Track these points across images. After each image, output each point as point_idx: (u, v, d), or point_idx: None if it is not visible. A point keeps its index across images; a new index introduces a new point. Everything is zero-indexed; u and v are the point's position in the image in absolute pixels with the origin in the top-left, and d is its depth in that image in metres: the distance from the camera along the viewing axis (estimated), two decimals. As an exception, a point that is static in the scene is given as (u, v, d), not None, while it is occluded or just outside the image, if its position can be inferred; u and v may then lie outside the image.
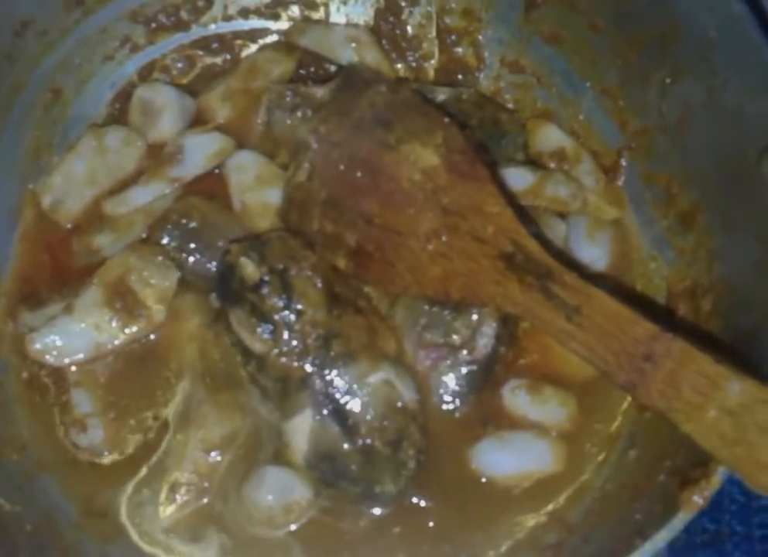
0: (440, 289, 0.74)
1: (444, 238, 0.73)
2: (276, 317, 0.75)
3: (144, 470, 0.77)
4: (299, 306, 0.75)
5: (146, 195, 0.85)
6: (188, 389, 0.79)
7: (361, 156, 0.78)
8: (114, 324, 0.80)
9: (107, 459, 0.78)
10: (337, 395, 0.74)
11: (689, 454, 0.63)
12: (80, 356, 0.80)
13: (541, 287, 0.67)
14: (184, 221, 0.84)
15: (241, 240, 0.80)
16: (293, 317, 0.75)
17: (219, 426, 0.77)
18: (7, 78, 0.83)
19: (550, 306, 0.66)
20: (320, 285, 0.76)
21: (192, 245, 0.83)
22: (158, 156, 0.87)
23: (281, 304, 0.75)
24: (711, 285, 0.75)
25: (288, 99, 0.87)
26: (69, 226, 0.86)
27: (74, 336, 0.79)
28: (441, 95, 0.87)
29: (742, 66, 0.71)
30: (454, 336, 0.78)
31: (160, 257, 0.81)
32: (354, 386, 0.74)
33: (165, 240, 0.83)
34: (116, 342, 0.80)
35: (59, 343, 0.79)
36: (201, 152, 0.87)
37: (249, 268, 0.76)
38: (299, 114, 0.86)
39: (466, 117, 0.85)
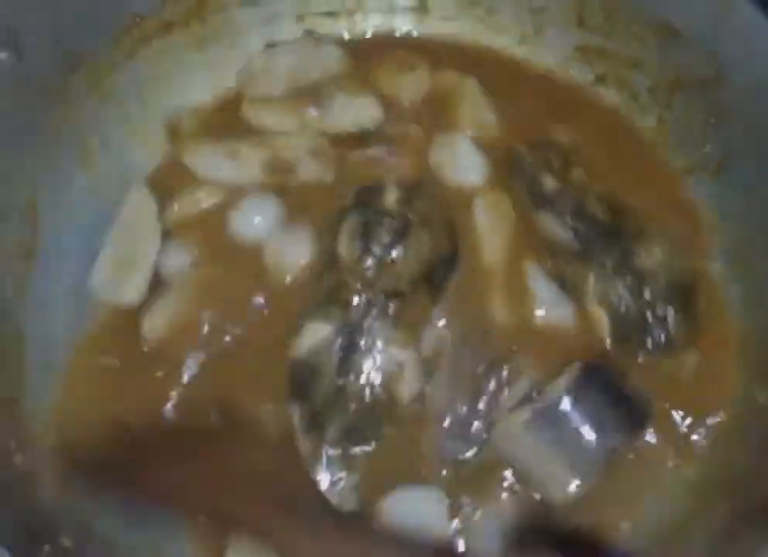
0: None
1: None
2: (376, 247, 0.79)
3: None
4: (399, 253, 0.79)
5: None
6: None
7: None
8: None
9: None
10: (360, 338, 0.76)
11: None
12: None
13: None
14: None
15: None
16: (388, 256, 0.78)
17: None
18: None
19: None
20: (424, 256, 0.79)
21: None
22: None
23: (387, 241, 0.79)
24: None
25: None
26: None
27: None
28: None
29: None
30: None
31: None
32: (379, 345, 0.76)
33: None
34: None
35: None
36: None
37: (392, 197, 0.81)
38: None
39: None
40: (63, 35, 0.80)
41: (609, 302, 0.79)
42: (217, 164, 0.87)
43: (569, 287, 0.80)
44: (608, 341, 0.79)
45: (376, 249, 0.79)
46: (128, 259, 0.84)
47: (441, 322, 0.79)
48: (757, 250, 0.80)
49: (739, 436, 0.76)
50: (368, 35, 0.97)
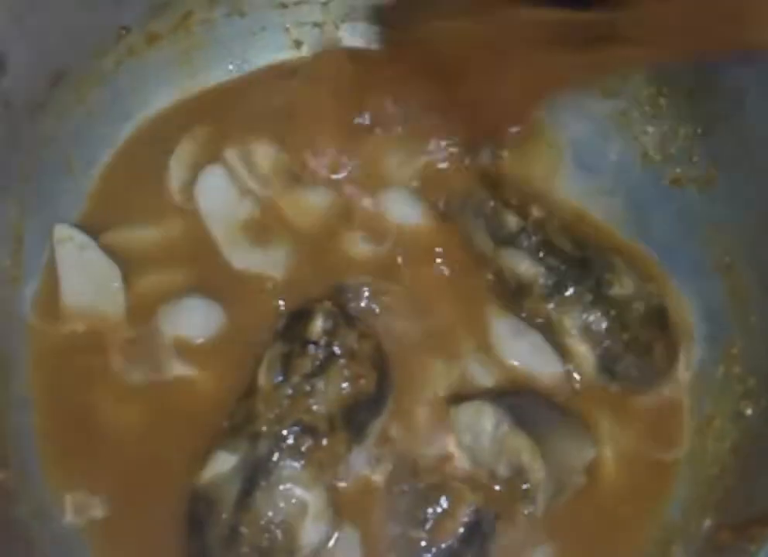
0: None
1: None
2: (294, 377, 0.72)
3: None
4: (318, 384, 0.72)
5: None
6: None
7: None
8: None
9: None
10: (264, 474, 0.70)
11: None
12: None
13: None
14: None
15: (335, 300, 0.78)
16: (304, 387, 0.72)
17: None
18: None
19: None
20: (345, 391, 0.73)
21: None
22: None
23: (307, 371, 0.72)
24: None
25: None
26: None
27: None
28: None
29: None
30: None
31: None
32: (283, 484, 0.70)
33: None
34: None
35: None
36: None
37: (319, 326, 0.74)
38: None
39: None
40: (48, 47, 0.77)
41: (592, 336, 0.78)
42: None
43: (547, 329, 0.79)
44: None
45: (294, 379, 0.72)
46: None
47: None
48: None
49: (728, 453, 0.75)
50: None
